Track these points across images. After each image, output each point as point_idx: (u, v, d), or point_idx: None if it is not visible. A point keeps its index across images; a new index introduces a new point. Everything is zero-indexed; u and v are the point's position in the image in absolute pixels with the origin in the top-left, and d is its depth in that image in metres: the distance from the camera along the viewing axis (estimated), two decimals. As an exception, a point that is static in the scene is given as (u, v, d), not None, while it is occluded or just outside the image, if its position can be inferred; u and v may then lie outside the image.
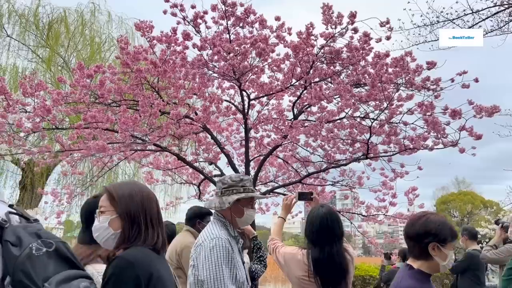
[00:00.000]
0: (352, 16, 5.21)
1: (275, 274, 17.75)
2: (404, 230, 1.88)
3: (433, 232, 1.76)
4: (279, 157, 7.16)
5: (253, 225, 6.15)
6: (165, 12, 5.28)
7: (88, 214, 1.83)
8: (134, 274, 1.35)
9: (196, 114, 5.81)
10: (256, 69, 5.86)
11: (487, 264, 5.98)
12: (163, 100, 5.13)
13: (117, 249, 1.49)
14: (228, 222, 2.15)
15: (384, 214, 6.50)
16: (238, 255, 2.08)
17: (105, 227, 1.52)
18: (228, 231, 2.11)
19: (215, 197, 2.24)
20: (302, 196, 2.97)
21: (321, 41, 5.48)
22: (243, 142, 6.68)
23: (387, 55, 5.59)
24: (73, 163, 6.89)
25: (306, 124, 6.12)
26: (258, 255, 2.85)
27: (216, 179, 6.56)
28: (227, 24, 5.44)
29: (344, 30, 5.34)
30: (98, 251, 1.78)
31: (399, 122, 5.49)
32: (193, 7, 5.36)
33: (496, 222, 4.76)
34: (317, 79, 5.79)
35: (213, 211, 2.28)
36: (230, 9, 5.32)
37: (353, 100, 5.38)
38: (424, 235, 1.76)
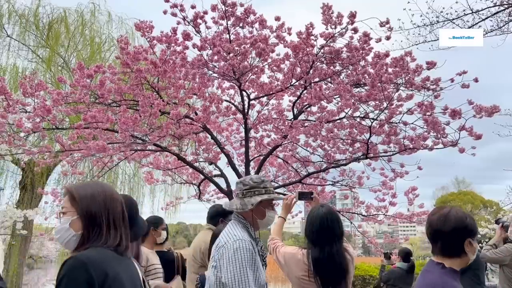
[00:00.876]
0: (352, 16, 5.22)
1: (275, 274, 17.76)
2: (432, 228, 1.76)
3: (470, 227, 1.69)
4: (279, 157, 7.16)
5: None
6: (165, 12, 5.28)
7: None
8: (87, 275, 1.31)
9: (196, 114, 5.81)
10: (256, 69, 5.86)
11: (487, 264, 5.99)
12: (163, 100, 5.13)
13: (76, 250, 1.45)
14: (249, 223, 2.12)
15: (384, 214, 6.50)
16: (258, 257, 2.05)
17: (66, 228, 1.48)
18: (249, 232, 2.08)
19: (236, 198, 2.19)
20: (302, 196, 2.98)
21: (321, 41, 5.49)
22: (243, 142, 6.68)
23: (387, 55, 5.59)
24: (73, 163, 6.89)
25: (306, 124, 6.12)
26: (258, 255, 2.86)
27: (216, 179, 6.56)
28: (227, 24, 5.44)
29: (344, 30, 5.35)
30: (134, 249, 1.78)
31: (399, 122, 5.49)
32: (193, 7, 5.37)
33: (496, 222, 4.77)
34: (317, 79, 5.80)
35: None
36: (230, 9, 5.33)
37: (353, 100, 5.38)
38: (462, 231, 1.68)
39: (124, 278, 1.42)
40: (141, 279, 1.58)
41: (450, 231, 1.69)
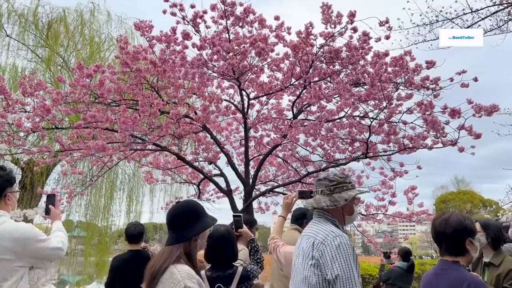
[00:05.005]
0: (352, 15, 5.22)
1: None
2: (436, 231, 1.97)
3: (469, 228, 1.90)
4: (278, 157, 7.17)
5: (252, 224, 6.17)
6: (164, 11, 5.28)
7: (171, 218, 1.83)
8: None
9: (196, 113, 5.81)
10: (256, 68, 5.86)
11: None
12: (162, 100, 5.13)
13: None
14: (337, 220, 2.03)
15: (383, 213, 6.50)
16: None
17: None
18: (338, 229, 1.98)
19: (321, 195, 2.06)
20: (302, 195, 2.97)
21: (320, 41, 5.50)
22: (243, 142, 6.68)
23: (386, 54, 5.59)
24: (73, 162, 6.88)
25: (305, 124, 6.12)
26: (256, 258, 2.86)
27: (215, 178, 6.57)
28: (226, 23, 5.45)
29: (343, 30, 5.35)
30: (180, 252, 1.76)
31: (398, 121, 5.49)
32: (192, 6, 5.37)
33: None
34: (316, 79, 5.80)
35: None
36: (230, 8, 5.33)
37: (352, 100, 5.38)
38: (462, 231, 1.88)
39: None
40: None
41: (452, 233, 1.90)
